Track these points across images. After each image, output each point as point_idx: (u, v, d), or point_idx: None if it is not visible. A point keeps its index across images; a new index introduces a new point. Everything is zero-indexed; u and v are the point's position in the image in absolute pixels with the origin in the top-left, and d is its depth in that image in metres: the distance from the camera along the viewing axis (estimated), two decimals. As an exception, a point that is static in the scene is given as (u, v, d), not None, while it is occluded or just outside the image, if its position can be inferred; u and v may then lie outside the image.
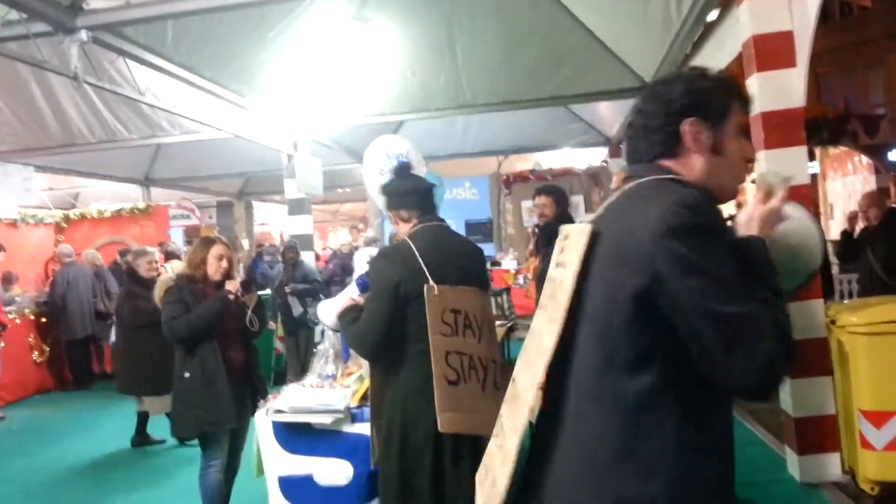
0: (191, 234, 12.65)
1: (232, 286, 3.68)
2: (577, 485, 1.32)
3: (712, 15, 5.22)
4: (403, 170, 2.94)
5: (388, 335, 2.55)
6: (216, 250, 3.76)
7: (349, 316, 2.77)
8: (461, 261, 2.70)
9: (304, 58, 6.55)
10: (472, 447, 2.53)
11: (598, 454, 1.29)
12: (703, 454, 1.28)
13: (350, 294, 3.00)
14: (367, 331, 2.60)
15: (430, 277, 2.54)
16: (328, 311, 3.17)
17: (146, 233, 10.77)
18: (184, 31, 5.20)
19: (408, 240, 2.64)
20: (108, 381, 9.18)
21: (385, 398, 2.69)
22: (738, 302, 1.21)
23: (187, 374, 3.61)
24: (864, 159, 15.40)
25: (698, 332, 1.22)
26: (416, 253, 2.57)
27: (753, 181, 1.54)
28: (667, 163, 1.42)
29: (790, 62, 4.04)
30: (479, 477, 1.63)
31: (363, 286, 2.94)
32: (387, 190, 2.86)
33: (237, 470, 3.96)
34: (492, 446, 1.60)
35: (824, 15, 19.43)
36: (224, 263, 3.75)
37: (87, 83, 5.12)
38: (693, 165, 1.41)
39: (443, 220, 2.84)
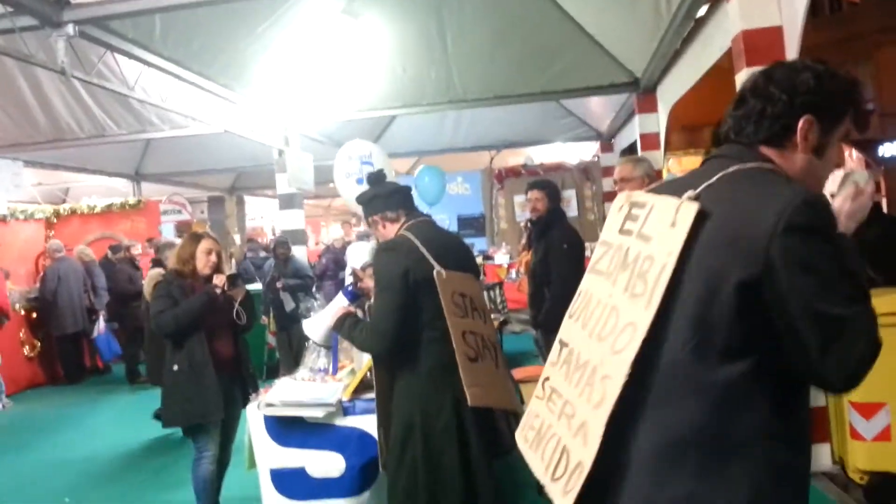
0: (182, 229, 12.59)
1: (218, 280, 3.71)
2: (654, 467, 1.30)
3: (702, 10, 5.23)
4: (379, 176, 2.93)
5: (403, 324, 2.55)
6: (204, 245, 3.79)
7: (347, 322, 2.78)
8: (455, 250, 2.80)
9: (294, 52, 6.53)
10: (488, 426, 2.66)
11: (681, 438, 1.28)
12: (787, 444, 1.29)
13: (338, 305, 3.00)
14: (381, 324, 2.58)
15: (434, 264, 2.59)
16: (315, 326, 3.14)
17: (137, 228, 10.74)
18: (172, 25, 5.18)
19: (405, 233, 2.66)
20: (99, 375, 9.23)
21: (396, 395, 2.69)
22: (844, 304, 1.22)
23: (176, 367, 3.64)
24: (855, 153, 15.45)
25: (799, 330, 1.22)
26: (417, 242, 2.61)
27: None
28: (768, 152, 1.40)
29: (780, 57, 4.04)
30: (526, 440, 1.61)
31: (352, 296, 2.99)
32: (367, 196, 2.87)
33: (228, 462, 3.98)
34: (550, 418, 1.53)
35: (814, 10, 19.53)
36: (213, 258, 3.78)
37: (75, 78, 5.08)
38: (795, 161, 1.39)
39: (429, 216, 2.89)
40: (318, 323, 3.13)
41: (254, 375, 4.15)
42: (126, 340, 8.52)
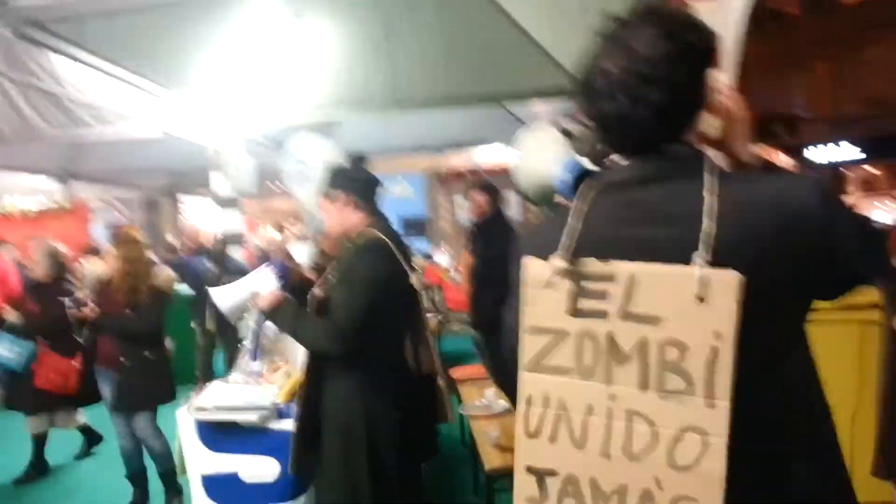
0: (114, 229, 12.17)
1: None
2: (754, 473, 1.18)
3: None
4: (363, 159, 2.85)
5: (368, 328, 2.48)
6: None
7: (288, 310, 2.60)
8: (406, 253, 2.79)
9: (235, 52, 6.37)
10: (426, 429, 2.62)
11: (775, 440, 1.18)
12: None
13: (264, 283, 2.77)
14: (348, 324, 2.46)
15: (409, 272, 2.63)
16: (226, 295, 2.84)
17: (66, 229, 10.33)
18: (108, 24, 4.99)
19: (377, 234, 2.60)
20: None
21: (331, 397, 2.60)
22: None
23: None
24: (783, 157, 16.09)
25: (878, 252, 1.21)
26: (393, 247, 2.58)
27: None
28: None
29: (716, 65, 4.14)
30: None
31: (283, 275, 2.86)
32: (347, 173, 2.75)
33: None
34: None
35: (757, 22, 20.19)
36: None
37: (3, 75, 4.84)
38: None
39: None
40: (231, 293, 2.84)
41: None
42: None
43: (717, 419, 1.08)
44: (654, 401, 1.13)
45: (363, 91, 7.24)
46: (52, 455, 5.96)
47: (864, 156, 18.63)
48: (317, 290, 2.62)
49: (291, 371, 3.62)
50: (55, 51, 4.86)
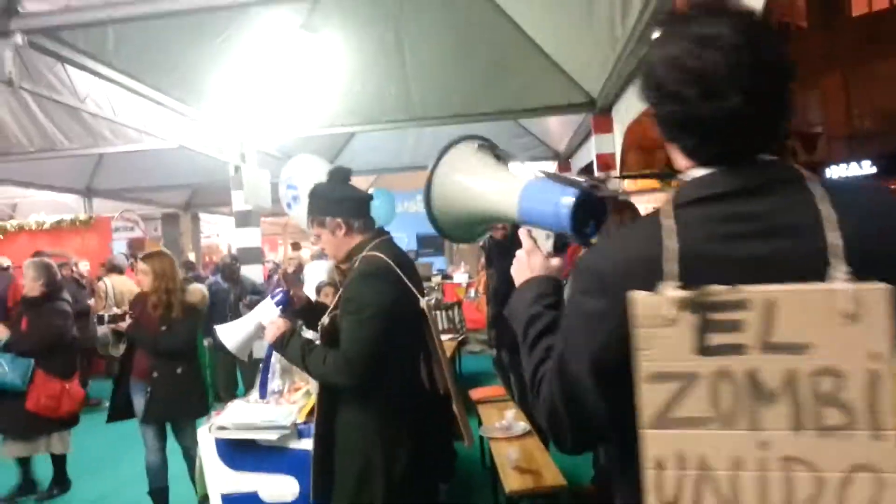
0: (135, 246, 12.34)
1: None
2: None
3: (656, 34, 5.33)
4: (346, 174, 2.67)
5: (380, 358, 2.38)
6: None
7: (296, 343, 2.52)
8: (415, 272, 2.65)
9: (251, 67, 6.46)
10: (445, 452, 2.59)
11: None
12: None
13: (267, 314, 2.71)
14: (359, 356, 2.35)
15: (418, 294, 2.50)
16: (232, 333, 2.79)
17: (87, 245, 10.49)
18: (125, 37, 5.07)
19: (379, 255, 2.48)
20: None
21: (346, 428, 2.51)
22: None
23: None
24: (804, 176, 15.98)
25: None
26: (397, 269, 2.45)
27: None
28: None
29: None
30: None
31: (284, 304, 2.70)
32: (333, 194, 2.57)
33: None
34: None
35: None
36: None
37: (23, 89, 4.94)
38: None
39: (388, 233, 2.75)
40: (236, 330, 2.80)
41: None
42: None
43: (888, 452, 0.95)
44: (812, 442, 0.98)
45: (377, 104, 7.32)
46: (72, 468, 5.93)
47: (880, 173, 18.55)
48: (325, 319, 2.54)
49: (312, 390, 3.62)
50: (70, 62, 4.94)
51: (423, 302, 2.52)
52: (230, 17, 5.58)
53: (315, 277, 7.36)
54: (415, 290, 2.50)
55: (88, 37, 4.86)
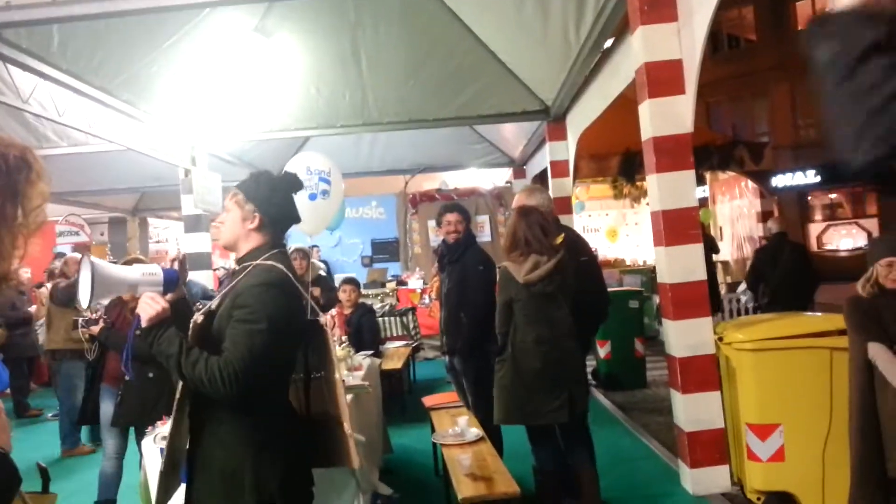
0: (80, 251, 11.98)
1: None
2: None
3: (609, 42, 5.41)
4: (297, 185, 2.56)
5: (267, 371, 2.23)
6: None
7: (175, 337, 2.23)
8: (307, 290, 2.57)
9: (202, 69, 6.35)
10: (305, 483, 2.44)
11: None
12: None
13: (149, 282, 2.35)
14: (246, 367, 2.15)
15: (318, 310, 2.48)
16: (108, 271, 2.32)
17: (28, 249, 10.15)
18: (71, 37, 4.93)
19: (280, 267, 2.34)
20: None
21: (214, 440, 2.32)
22: None
23: None
24: (750, 184, 16.32)
25: None
26: (296, 283, 2.34)
27: None
28: None
29: (679, 89, 4.21)
30: None
31: (171, 280, 2.37)
32: (272, 189, 2.45)
33: None
34: None
35: (714, 46, 20.77)
36: None
37: (-39, 88, 4.76)
38: None
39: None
40: (112, 267, 2.38)
41: None
42: (11, 370, 7.95)
43: None
44: None
45: (332, 109, 7.27)
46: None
47: (823, 182, 19.19)
48: (199, 317, 2.33)
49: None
50: (12, 62, 4.77)
51: (323, 319, 2.48)
52: (181, 19, 5.46)
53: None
54: (315, 308, 2.46)
55: (32, 36, 4.71)
